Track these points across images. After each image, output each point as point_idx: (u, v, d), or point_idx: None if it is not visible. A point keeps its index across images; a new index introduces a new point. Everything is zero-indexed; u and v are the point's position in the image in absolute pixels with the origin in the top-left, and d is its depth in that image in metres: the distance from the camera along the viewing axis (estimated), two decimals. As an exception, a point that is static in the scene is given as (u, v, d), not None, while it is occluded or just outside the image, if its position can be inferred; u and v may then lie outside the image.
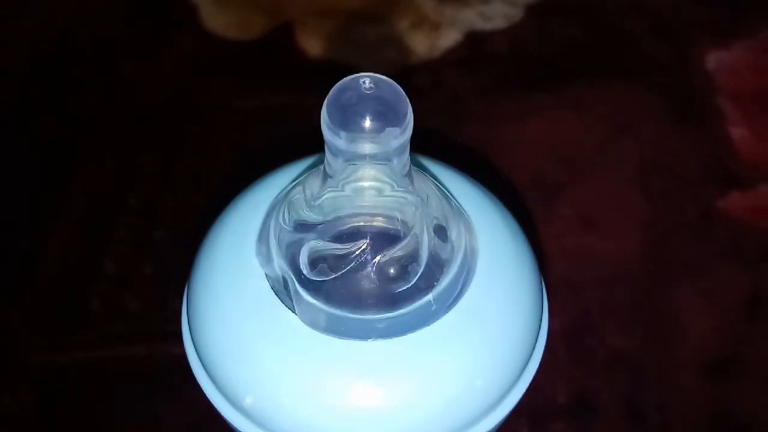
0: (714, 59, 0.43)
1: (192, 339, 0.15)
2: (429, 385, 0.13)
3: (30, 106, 0.39)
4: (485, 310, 0.14)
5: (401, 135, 0.12)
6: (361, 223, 0.14)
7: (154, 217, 0.34)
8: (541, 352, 0.15)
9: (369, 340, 0.13)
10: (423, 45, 0.43)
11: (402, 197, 0.14)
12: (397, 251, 0.14)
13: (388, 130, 0.12)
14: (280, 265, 0.14)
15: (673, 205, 0.36)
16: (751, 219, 0.35)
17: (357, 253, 0.13)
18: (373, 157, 0.13)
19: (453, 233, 0.14)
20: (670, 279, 0.33)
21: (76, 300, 0.31)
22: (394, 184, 0.13)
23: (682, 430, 0.28)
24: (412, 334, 0.13)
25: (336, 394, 0.13)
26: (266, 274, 0.14)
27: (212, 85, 0.40)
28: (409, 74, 0.41)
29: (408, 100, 0.12)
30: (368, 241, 0.13)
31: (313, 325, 0.13)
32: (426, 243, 0.14)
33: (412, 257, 0.14)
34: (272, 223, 0.14)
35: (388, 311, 0.14)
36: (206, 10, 0.44)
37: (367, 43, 0.43)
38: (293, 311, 0.14)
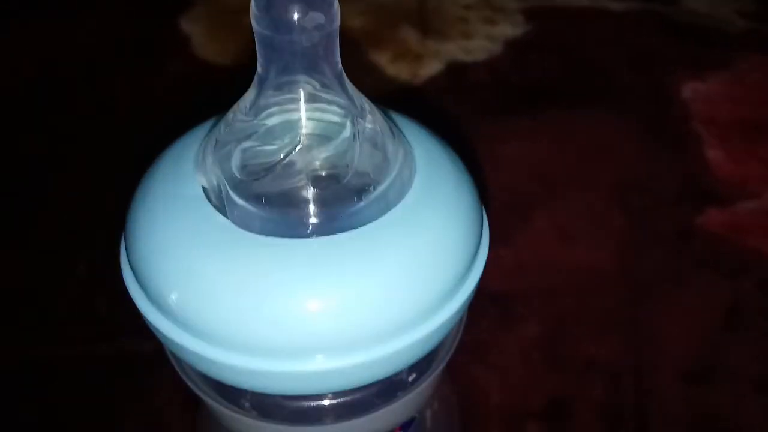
0: (690, 89, 0.44)
1: (127, 256, 0.15)
2: (356, 285, 0.13)
3: (20, 123, 0.40)
4: (418, 220, 0.14)
5: (327, 23, 0.13)
6: (294, 125, 0.14)
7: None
8: (479, 273, 0.15)
9: (297, 238, 0.13)
10: (405, 73, 0.44)
11: (334, 100, 0.14)
12: (328, 152, 0.14)
13: (312, 14, 0.12)
14: (215, 174, 0.14)
15: (649, 222, 0.36)
16: (729, 234, 0.35)
17: (287, 152, 0.13)
18: (301, 53, 0.13)
19: (389, 147, 0.14)
20: (646, 290, 0.32)
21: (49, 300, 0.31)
22: (326, 86, 0.14)
23: (660, 435, 0.27)
24: (342, 234, 0.13)
25: (263, 291, 0.13)
26: (203, 187, 0.14)
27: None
28: (391, 98, 0.42)
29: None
30: (299, 141, 0.14)
31: (243, 225, 0.13)
32: (357, 148, 0.14)
33: (343, 160, 0.14)
34: (210, 140, 0.15)
35: (317, 212, 0.13)
36: (197, 40, 0.46)
37: (348, 69, 0.45)
38: (227, 216, 0.14)
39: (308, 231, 0.13)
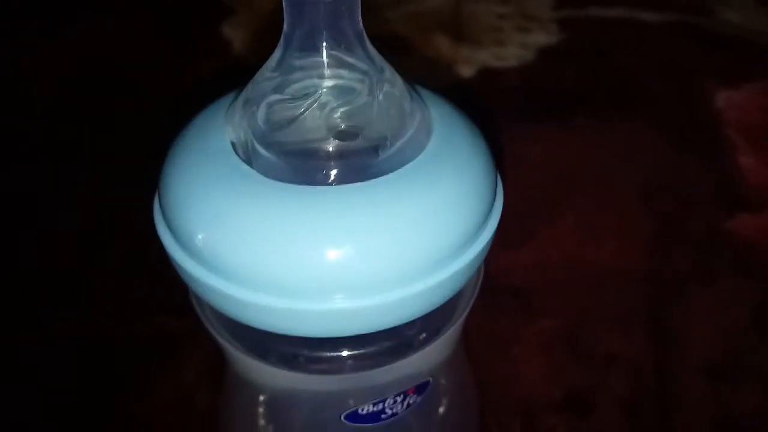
0: (723, 98, 0.44)
1: (160, 205, 0.16)
2: (372, 230, 0.14)
3: (60, 111, 0.42)
4: (433, 173, 0.15)
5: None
6: (316, 81, 0.15)
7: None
8: (493, 230, 0.16)
9: (318, 186, 0.14)
10: (436, 77, 0.45)
11: (355, 58, 0.15)
12: (347, 107, 0.14)
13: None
14: (243, 128, 0.15)
15: (678, 224, 0.36)
16: (761, 239, 0.35)
17: (309, 105, 0.14)
18: (324, 11, 0.14)
19: (406, 106, 0.15)
20: (671, 289, 0.32)
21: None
22: (348, 45, 0.14)
23: (681, 429, 0.27)
24: (361, 183, 0.14)
25: (284, 233, 0.13)
26: (232, 142, 0.15)
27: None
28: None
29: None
30: (320, 95, 0.14)
31: (267, 174, 0.14)
32: (376, 105, 0.15)
33: (362, 114, 0.14)
34: (239, 98, 0.16)
35: (336, 163, 0.14)
36: (238, 44, 0.48)
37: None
38: (252, 166, 0.15)
39: (328, 180, 0.14)
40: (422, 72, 0.45)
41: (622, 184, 0.38)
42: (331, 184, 0.14)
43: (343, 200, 0.14)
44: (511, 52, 0.47)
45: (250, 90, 0.15)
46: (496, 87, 0.44)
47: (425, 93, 0.17)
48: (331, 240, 0.13)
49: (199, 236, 0.14)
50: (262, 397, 0.20)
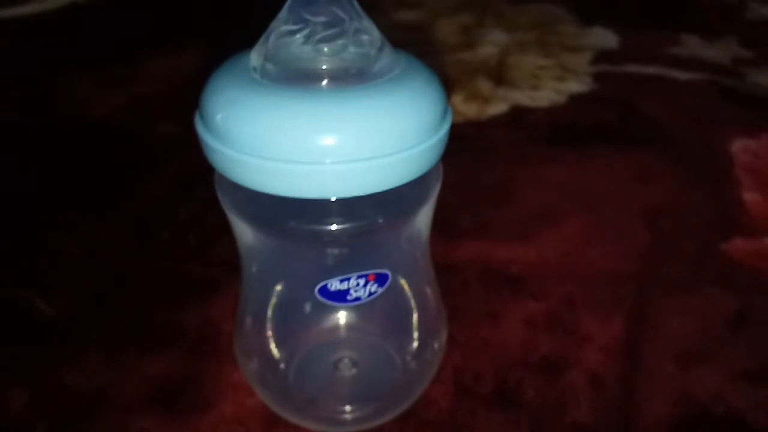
0: (739, 144, 0.47)
1: (201, 119, 0.22)
2: (352, 114, 0.19)
3: (157, 116, 0.51)
4: (396, 85, 0.20)
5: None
6: (315, 21, 0.21)
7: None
8: (445, 132, 0.21)
9: (311, 89, 0.20)
10: (472, 110, 0.51)
11: (340, 12, 0.20)
12: (333, 38, 0.20)
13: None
14: (259, 53, 0.21)
15: (674, 242, 0.39)
16: (751, 261, 0.37)
17: (305, 33, 0.20)
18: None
19: (378, 47, 0.21)
20: (657, 291, 0.35)
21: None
22: (339, 2, 0.20)
23: (643, 403, 0.29)
24: (346, 87, 0.20)
25: (285, 113, 0.19)
26: (254, 67, 0.21)
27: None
28: (457, 128, 0.49)
29: None
30: (313, 26, 0.20)
31: (271, 81, 0.20)
32: (360, 43, 0.20)
33: (344, 43, 0.20)
34: (262, 37, 0.22)
35: (325, 74, 0.20)
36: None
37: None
38: (266, 79, 0.21)
39: (319, 84, 0.20)
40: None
41: (628, 204, 0.42)
42: (321, 88, 0.20)
43: (328, 96, 0.19)
44: (544, 95, 0.53)
45: (268, 31, 0.22)
46: (525, 122, 0.50)
47: (401, 51, 0.23)
48: (319, 118, 0.19)
49: (227, 121, 0.20)
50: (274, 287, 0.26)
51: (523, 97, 0.52)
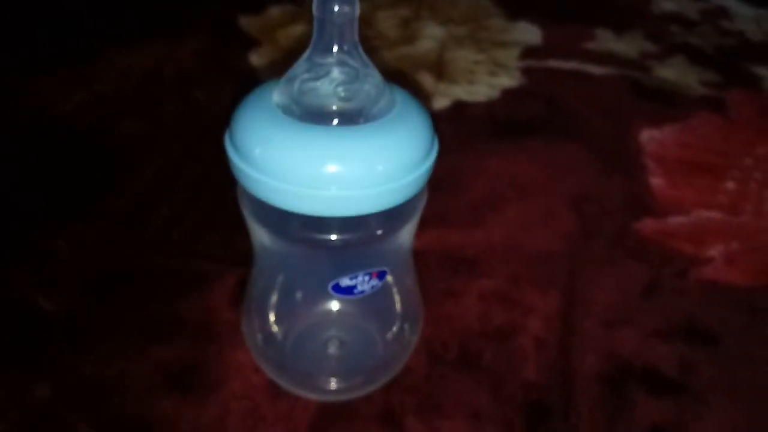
0: (647, 135, 0.55)
1: (233, 145, 0.25)
2: (356, 148, 0.24)
3: (122, 114, 0.52)
4: (394, 124, 0.25)
5: (351, 11, 0.24)
6: (329, 68, 0.25)
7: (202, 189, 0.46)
8: (432, 161, 0.26)
9: (325, 126, 0.24)
10: (419, 105, 0.56)
11: (352, 58, 0.25)
12: (345, 84, 0.25)
13: (343, 7, 0.24)
14: (284, 93, 0.25)
15: (596, 223, 0.46)
16: (658, 237, 0.45)
17: (323, 81, 0.25)
18: (336, 27, 0.24)
19: (380, 89, 0.26)
20: (584, 266, 0.42)
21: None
22: (348, 50, 0.25)
23: (578, 360, 0.36)
24: (351, 126, 0.24)
25: (304, 147, 0.23)
26: (276, 104, 0.25)
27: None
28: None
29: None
30: (329, 75, 0.25)
31: (295, 118, 0.24)
32: (361, 85, 0.25)
33: (353, 89, 0.25)
34: (283, 78, 0.26)
35: (337, 115, 0.24)
36: (262, 70, 0.59)
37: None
38: (288, 116, 0.25)
39: (330, 123, 0.24)
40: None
41: (557, 191, 0.48)
42: (333, 125, 0.24)
43: (338, 132, 0.24)
44: (480, 90, 0.58)
45: (289, 73, 0.26)
46: (464, 116, 0.55)
47: (395, 86, 0.28)
48: (330, 153, 0.24)
49: (256, 150, 0.24)
50: (279, 277, 0.30)
51: (462, 92, 0.58)
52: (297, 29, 0.65)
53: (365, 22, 0.69)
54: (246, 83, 0.57)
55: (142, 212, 0.43)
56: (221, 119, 0.52)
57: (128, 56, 0.60)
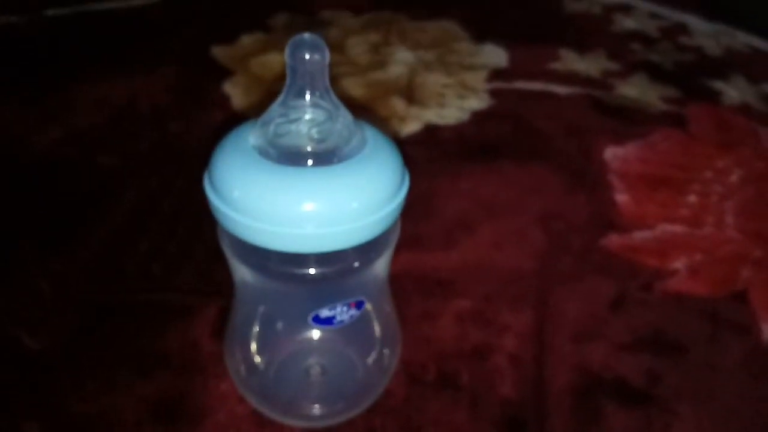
0: (610, 152, 0.57)
1: (212, 187, 0.27)
2: (330, 188, 0.25)
3: (97, 148, 0.53)
4: (366, 162, 0.26)
5: (321, 59, 0.25)
6: (303, 112, 0.26)
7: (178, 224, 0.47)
8: (403, 196, 0.27)
9: (299, 167, 0.25)
10: (391, 130, 0.57)
11: (324, 101, 0.26)
12: (318, 126, 0.26)
13: (313, 55, 0.25)
14: (260, 136, 0.26)
15: (564, 240, 0.48)
16: (624, 252, 0.47)
17: (297, 124, 0.26)
18: (308, 74, 0.25)
19: (352, 129, 0.27)
20: (554, 283, 0.44)
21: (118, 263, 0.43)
22: (320, 94, 0.26)
23: (551, 376, 0.38)
24: (324, 166, 0.25)
25: (279, 188, 0.25)
26: (253, 146, 0.27)
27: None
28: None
29: (325, 45, 0.25)
30: (303, 119, 0.26)
31: (271, 160, 0.26)
32: (333, 126, 0.26)
33: (326, 131, 0.26)
34: (259, 120, 0.27)
35: (311, 156, 0.26)
36: (235, 99, 0.60)
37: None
38: (264, 158, 0.26)
39: (306, 164, 0.26)
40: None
41: (526, 210, 0.50)
42: (307, 166, 0.26)
43: (312, 173, 0.25)
44: (450, 113, 0.60)
45: (264, 116, 0.27)
46: (437, 139, 0.57)
47: (365, 124, 0.29)
48: (306, 193, 0.25)
49: (234, 192, 0.25)
50: (260, 308, 0.31)
51: (433, 116, 0.59)
52: (270, 58, 0.66)
53: (337, 48, 0.70)
54: (220, 113, 0.58)
55: (122, 246, 0.44)
56: (196, 150, 0.53)
57: (101, 89, 0.61)
